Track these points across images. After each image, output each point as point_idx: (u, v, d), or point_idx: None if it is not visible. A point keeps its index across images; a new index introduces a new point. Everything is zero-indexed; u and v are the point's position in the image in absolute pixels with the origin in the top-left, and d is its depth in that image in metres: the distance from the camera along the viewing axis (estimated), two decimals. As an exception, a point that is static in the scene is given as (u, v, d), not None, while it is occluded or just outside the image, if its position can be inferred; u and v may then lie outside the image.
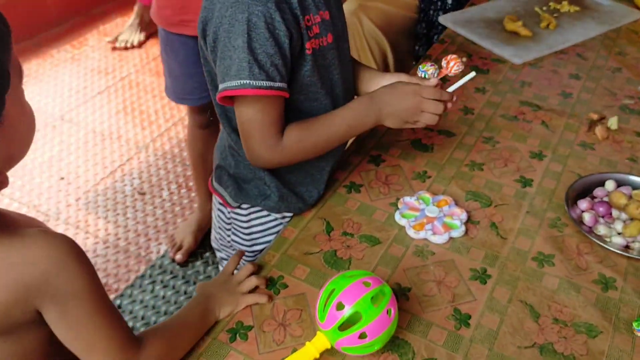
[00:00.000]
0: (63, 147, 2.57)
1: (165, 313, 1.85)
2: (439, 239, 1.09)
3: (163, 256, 2.04)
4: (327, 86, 1.08)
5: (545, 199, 1.20)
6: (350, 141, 1.34)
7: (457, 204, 1.17)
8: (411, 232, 1.11)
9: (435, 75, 1.16)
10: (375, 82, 1.20)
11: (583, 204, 1.16)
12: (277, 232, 1.18)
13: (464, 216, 1.13)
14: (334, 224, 1.14)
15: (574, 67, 1.63)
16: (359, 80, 1.22)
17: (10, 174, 0.74)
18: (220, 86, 0.98)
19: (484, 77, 1.58)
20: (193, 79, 1.73)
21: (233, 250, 1.24)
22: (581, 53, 1.70)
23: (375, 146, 1.34)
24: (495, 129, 1.39)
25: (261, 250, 1.21)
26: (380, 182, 1.24)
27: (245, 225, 1.19)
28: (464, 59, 1.15)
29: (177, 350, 0.90)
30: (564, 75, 1.60)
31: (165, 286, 1.93)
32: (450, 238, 1.10)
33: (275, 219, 1.18)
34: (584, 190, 1.19)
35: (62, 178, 2.40)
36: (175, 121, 2.73)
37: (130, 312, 1.84)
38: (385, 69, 2.01)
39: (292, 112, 1.05)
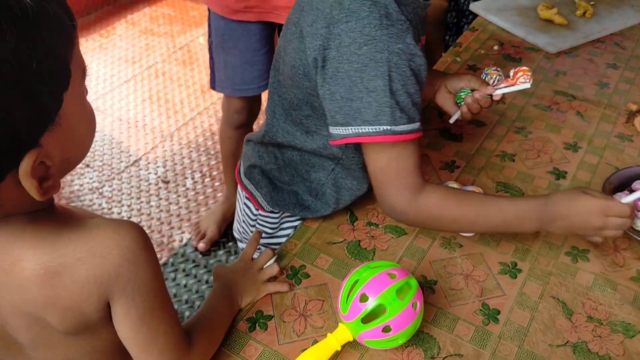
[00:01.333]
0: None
1: (187, 302, 1.83)
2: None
3: (186, 245, 2.02)
4: None
5: (579, 191, 1.14)
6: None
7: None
8: (438, 223, 1.07)
9: (497, 81, 1.10)
10: (436, 82, 1.15)
11: (620, 197, 1.09)
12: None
13: (494, 208, 1.09)
14: (358, 214, 1.10)
15: (612, 57, 1.56)
16: None
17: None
18: (346, 130, 0.88)
19: (516, 65, 1.51)
20: (254, 67, 1.70)
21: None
22: (619, 42, 1.63)
23: (402, 135, 1.29)
24: (527, 119, 1.34)
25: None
26: (406, 171, 1.20)
27: (273, 227, 1.16)
28: (530, 72, 1.08)
29: (216, 343, 0.87)
30: (600, 64, 1.53)
31: (187, 275, 1.91)
32: (479, 230, 1.06)
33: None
34: (622, 183, 1.14)
35: (87, 165, 2.40)
36: (200, 110, 2.71)
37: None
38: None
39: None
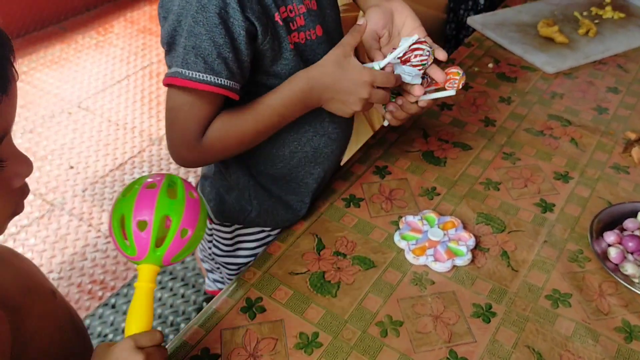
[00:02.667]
0: (76, 135, 2.51)
1: (160, 316, 1.76)
2: (441, 266, 0.97)
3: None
4: None
5: (567, 227, 1.06)
6: (351, 149, 1.23)
7: (465, 227, 1.05)
8: (410, 257, 0.99)
9: (427, 62, 0.98)
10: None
11: (610, 236, 1.02)
12: (268, 243, 1.08)
13: (471, 242, 1.01)
14: (326, 241, 1.03)
15: (613, 80, 1.48)
16: None
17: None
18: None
19: (510, 85, 1.44)
20: None
21: (216, 263, 1.14)
22: (622, 64, 1.54)
23: (382, 156, 1.22)
24: (517, 144, 1.26)
25: (246, 264, 1.11)
26: (383, 196, 1.12)
27: (229, 242, 1.09)
28: (460, 75, 0.99)
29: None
30: (600, 87, 1.45)
31: (162, 287, 1.84)
32: (454, 266, 0.98)
33: (263, 231, 1.08)
34: (613, 220, 1.05)
35: (72, 167, 2.33)
36: (192, 114, 2.64)
37: (124, 313, 1.75)
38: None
39: None
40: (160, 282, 1.86)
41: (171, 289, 1.84)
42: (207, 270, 1.21)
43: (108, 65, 2.98)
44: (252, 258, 1.09)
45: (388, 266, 0.98)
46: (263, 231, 1.08)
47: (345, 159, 1.23)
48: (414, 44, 0.93)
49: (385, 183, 1.15)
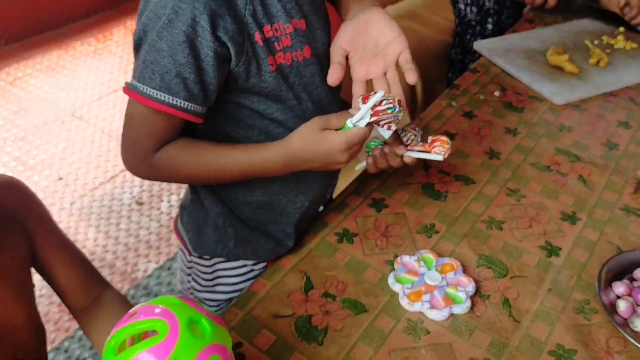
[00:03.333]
0: (68, 144, 2.44)
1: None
2: (438, 314, 0.90)
3: (150, 276, 1.88)
4: (305, 111, 0.91)
5: (573, 274, 0.99)
6: (347, 178, 1.16)
7: (465, 270, 0.98)
8: (404, 302, 0.92)
9: (411, 141, 1.00)
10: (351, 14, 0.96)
11: (619, 287, 0.94)
12: (252, 278, 1.01)
13: (471, 288, 0.94)
14: (315, 281, 0.95)
15: (624, 114, 1.41)
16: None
17: (9, 169, 0.60)
18: None
19: (516, 115, 1.38)
20: None
21: (195, 297, 1.07)
22: (634, 97, 1.48)
23: (379, 187, 1.15)
24: (522, 179, 1.19)
25: (228, 300, 1.04)
26: (378, 232, 1.05)
27: (208, 276, 1.02)
28: (449, 144, 0.98)
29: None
30: (611, 121, 1.38)
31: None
32: (452, 314, 0.91)
33: (245, 265, 1.01)
34: (622, 269, 0.98)
35: (61, 178, 2.27)
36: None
37: (105, 336, 1.68)
38: (412, 95, 1.82)
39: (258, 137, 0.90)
40: (133, 297, 1.79)
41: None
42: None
43: (105, 73, 2.92)
44: (233, 294, 1.02)
45: (380, 311, 0.91)
46: (245, 265, 1.01)
47: (340, 188, 1.16)
48: (379, 103, 0.86)
49: (381, 217, 1.08)
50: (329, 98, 0.95)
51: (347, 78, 1.57)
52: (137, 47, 0.79)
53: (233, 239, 0.95)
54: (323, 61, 0.92)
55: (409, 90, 1.81)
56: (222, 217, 0.94)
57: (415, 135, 1.00)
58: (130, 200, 2.16)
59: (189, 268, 1.04)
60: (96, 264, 1.91)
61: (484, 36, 1.81)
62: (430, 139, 0.99)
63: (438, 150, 0.97)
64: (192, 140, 0.87)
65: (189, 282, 1.06)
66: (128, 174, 2.30)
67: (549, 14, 1.87)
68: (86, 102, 2.70)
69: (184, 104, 0.78)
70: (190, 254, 1.01)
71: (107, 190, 2.21)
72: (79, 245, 1.93)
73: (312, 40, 0.88)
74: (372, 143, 1.01)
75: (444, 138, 0.98)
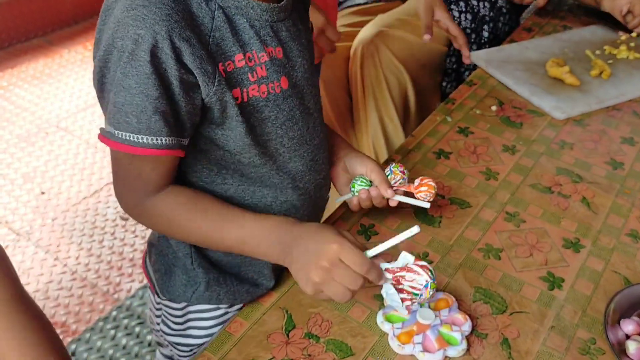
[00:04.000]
0: (51, 157, 2.36)
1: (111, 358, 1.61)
2: (430, 358, 0.82)
3: (133, 296, 1.80)
4: (280, 148, 0.83)
5: (577, 309, 0.91)
6: (333, 203, 1.08)
7: (460, 306, 0.90)
8: (394, 344, 0.84)
9: (400, 184, 0.95)
10: (338, 153, 0.98)
11: (628, 325, 0.87)
12: (227, 321, 0.93)
13: (467, 327, 0.86)
14: (297, 319, 0.88)
15: (629, 129, 1.34)
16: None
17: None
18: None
19: (515, 132, 1.30)
20: None
21: (165, 340, 0.99)
22: (638, 111, 1.40)
23: (368, 212, 1.07)
24: (522, 202, 1.11)
25: (201, 345, 0.96)
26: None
27: (179, 320, 0.94)
28: (435, 190, 0.94)
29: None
30: (615, 138, 1.31)
31: (129, 334, 1.68)
32: (446, 357, 0.83)
33: (219, 308, 0.93)
34: (631, 304, 0.91)
35: (43, 193, 2.19)
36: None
37: (84, 362, 1.60)
38: (404, 107, 1.75)
39: (213, 185, 0.82)
40: (126, 328, 1.71)
41: (137, 335, 1.68)
42: (157, 343, 1.06)
43: (92, 82, 2.84)
44: (207, 339, 0.94)
45: (368, 355, 0.83)
46: (219, 308, 0.92)
47: (326, 214, 1.08)
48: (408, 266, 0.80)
49: (370, 246, 1.00)
50: (310, 133, 0.86)
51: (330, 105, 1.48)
52: (101, 84, 0.71)
53: (204, 282, 0.87)
54: (304, 93, 0.84)
55: (402, 101, 1.74)
56: (191, 258, 0.87)
57: (404, 179, 0.95)
58: (114, 216, 2.08)
59: (158, 310, 0.96)
60: (77, 283, 1.83)
61: (480, 45, 1.74)
62: (417, 181, 0.94)
63: (424, 196, 0.93)
64: (190, 191, 0.79)
65: (158, 324, 0.98)
66: (112, 187, 2.22)
67: (547, 21, 1.80)
68: (71, 112, 2.62)
69: (169, 140, 0.71)
70: (157, 296, 0.94)
71: (91, 205, 2.13)
72: (59, 263, 1.86)
73: (290, 70, 0.80)
74: (359, 182, 0.94)
75: (431, 183, 0.94)
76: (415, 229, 0.76)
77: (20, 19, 3.06)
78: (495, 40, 1.75)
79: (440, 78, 1.85)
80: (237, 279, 0.88)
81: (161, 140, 0.69)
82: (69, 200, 2.16)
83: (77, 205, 2.14)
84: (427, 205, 0.93)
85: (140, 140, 0.69)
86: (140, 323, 1.71)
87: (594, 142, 1.29)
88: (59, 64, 2.98)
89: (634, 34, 1.64)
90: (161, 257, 0.90)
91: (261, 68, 0.75)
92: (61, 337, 1.66)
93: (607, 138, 1.30)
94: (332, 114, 1.68)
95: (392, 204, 0.94)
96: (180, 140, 0.72)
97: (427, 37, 1.36)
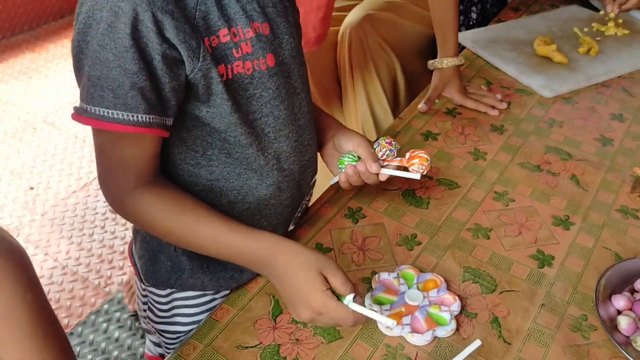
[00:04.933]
0: (39, 152, 2.34)
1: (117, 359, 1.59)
2: (419, 339, 0.81)
3: (125, 289, 1.78)
4: (265, 127, 0.81)
5: (568, 286, 0.90)
6: (319, 189, 1.06)
7: (449, 286, 0.89)
8: (382, 326, 0.83)
9: (387, 156, 0.92)
10: (328, 133, 0.96)
11: (619, 300, 0.86)
12: (213, 308, 0.92)
13: (455, 307, 0.85)
14: (285, 305, 0.86)
15: (618, 105, 1.33)
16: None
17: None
18: None
19: (503, 111, 1.29)
20: None
21: (152, 327, 0.98)
22: (627, 88, 1.39)
23: (355, 195, 1.06)
24: (511, 181, 1.10)
25: (188, 332, 0.94)
26: (355, 246, 0.96)
27: (164, 307, 0.92)
28: (428, 162, 0.91)
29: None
30: (604, 114, 1.30)
31: (121, 326, 1.67)
32: (435, 338, 0.82)
33: (205, 295, 0.91)
34: (622, 280, 0.90)
35: (32, 188, 2.16)
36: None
37: (77, 356, 1.58)
38: (394, 91, 1.73)
39: (189, 173, 0.80)
40: (118, 321, 1.69)
41: (130, 328, 1.67)
42: (145, 331, 1.05)
43: (79, 76, 2.81)
44: (193, 326, 0.93)
45: (356, 337, 0.82)
46: (205, 295, 0.91)
47: (313, 198, 1.07)
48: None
49: (358, 229, 0.99)
50: (295, 113, 0.84)
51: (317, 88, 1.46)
52: (78, 60, 0.68)
53: (188, 269, 0.86)
54: (290, 71, 0.82)
55: (391, 85, 1.72)
56: (175, 246, 0.85)
57: (392, 151, 0.92)
58: (104, 209, 2.06)
59: (144, 297, 0.95)
60: (68, 278, 1.82)
61: (468, 26, 1.72)
62: (408, 155, 0.92)
63: (416, 168, 0.90)
64: (175, 190, 0.77)
65: (144, 311, 0.97)
66: (102, 181, 2.20)
67: (534, 0, 1.78)
68: (59, 107, 2.60)
69: (146, 117, 0.68)
70: (142, 283, 0.92)
71: (80, 198, 2.11)
72: (49, 258, 1.85)
73: (277, 47, 0.78)
74: (346, 159, 0.92)
75: (423, 155, 0.91)
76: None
77: (6, 14, 3.02)
78: (484, 21, 1.73)
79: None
80: (222, 266, 0.87)
81: (138, 117, 0.67)
82: (57, 194, 2.14)
83: (66, 199, 2.12)
84: (417, 176, 0.89)
85: (115, 116, 0.66)
86: (132, 315, 1.69)
87: (583, 120, 1.27)
88: (46, 59, 2.94)
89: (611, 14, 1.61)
90: (145, 243, 0.89)
91: (246, 44, 0.73)
92: (53, 332, 1.65)
93: (597, 115, 1.29)
94: (320, 100, 1.66)
95: (382, 178, 0.91)
96: (164, 120, 0.70)
97: (422, 106, 1.26)
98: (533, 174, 1.12)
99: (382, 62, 1.67)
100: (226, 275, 0.87)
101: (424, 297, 0.86)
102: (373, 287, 0.88)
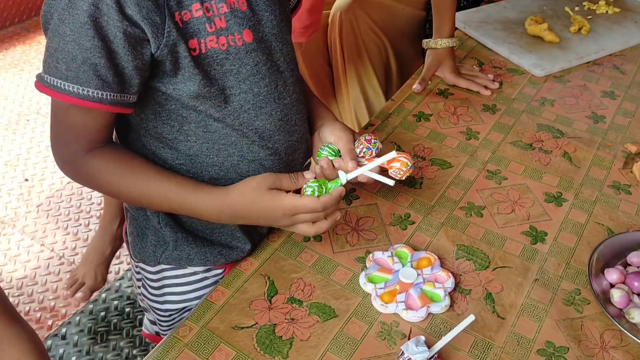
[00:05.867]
0: (33, 144, 2.33)
1: (114, 348, 1.60)
2: (414, 315, 0.81)
3: (122, 278, 1.79)
4: (244, 104, 0.80)
5: (561, 261, 0.91)
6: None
7: (442, 264, 0.90)
8: (377, 304, 0.83)
9: (366, 154, 0.86)
10: (316, 122, 0.94)
11: (612, 274, 0.87)
12: (206, 287, 0.92)
13: (449, 283, 0.86)
14: (280, 285, 0.87)
15: (609, 83, 1.33)
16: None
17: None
18: None
19: (495, 91, 1.29)
20: None
21: (145, 302, 0.99)
22: (619, 65, 1.39)
23: (349, 177, 1.06)
24: (503, 160, 1.10)
25: (180, 310, 0.95)
26: (349, 227, 0.96)
27: (155, 284, 0.93)
28: (408, 167, 0.84)
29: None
30: (595, 92, 1.30)
31: (118, 314, 1.67)
32: (429, 314, 0.83)
33: (195, 273, 0.92)
34: (615, 253, 0.90)
35: (27, 180, 2.16)
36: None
37: (75, 345, 1.59)
38: (387, 76, 1.73)
39: (168, 148, 0.81)
40: (117, 309, 1.70)
41: (128, 316, 1.68)
42: (143, 308, 1.05)
43: (71, 67, 2.80)
44: (185, 304, 0.93)
45: (351, 316, 0.83)
46: (195, 273, 0.91)
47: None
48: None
49: (351, 210, 0.99)
50: (279, 91, 0.83)
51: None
52: (45, 30, 0.70)
53: (172, 242, 0.86)
54: (272, 49, 0.81)
55: (383, 69, 1.72)
56: (158, 217, 0.86)
57: (369, 149, 0.86)
58: (99, 199, 2.06)
59: (138, 274, 0.95)
60: (64, 267, 1.82)
61: (459, 8, 1.71)
62: (392, 154, 0.84)
63: (394, 173, 0.84)
64: (125, 153, 0.79)
65: (139, 287, 0.98)
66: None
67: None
68: (51, 98, 2.58)
69: (97, 93, 0.69)
70: (132, 259, 0.93)
71: (75, 189, 2.11)
72: (45, 249, 1.85)
73: (255, 24, 0.77)
74: (324, 151, 0.87)
75: (404, 159, 0.84)
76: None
77: (-5, 6, 3.01)
78: (475, 3, 1.73)
79: (421, 45, 1.82)
80: (208, 241, 0.87)
81: (88, 91, 0.68)
82: (52, 185, 2.14)
83: (61, 190, 2.11)
84: (391, 182, 0.82)
85: (67, 88, 0.68)
86: (130, 303, 1.70)
87: (575, 98, 1.28)
88: (37, 51, 2.93)
89: None
90: (134, 220, 0.90)
91: (220, 19, 0.73)
92: (51, 322, 1.66)
93: (588, 93, 1.29)
94: (312, 84, 1.66)
95: (362, 180, 0.85)
96: (123, 97, 0.71)
97: (416, 87, 1.27)
98: (525, 152, 1.12)
99: (374, 45, 1.67)
100: (214, 250, 0.88)
101: (418, 274, 0.86)
102: (367, 266, 0.89)
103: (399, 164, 0.84)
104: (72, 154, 0.75)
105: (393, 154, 0.83)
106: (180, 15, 0.70)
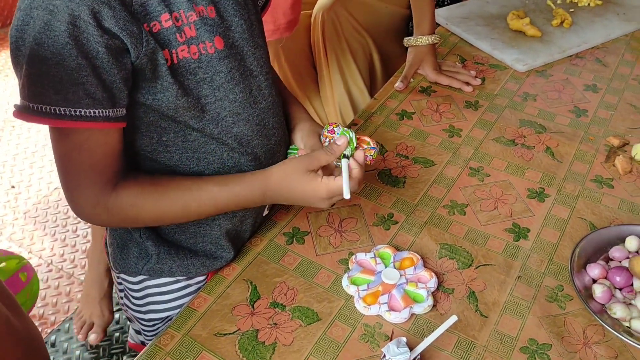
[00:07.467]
0: (20, 150, 2.32)
1: (111, 356, 1.59)
2: (397, 317, 0.81)
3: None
4: (221, 111, 0.80)
5: (544, 257, 0.91)
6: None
7: (425, 263, 0.89)
8: (360, 306, 0.83)
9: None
10: (292, 123, 0.95)
11: (594, 269, 0.87)
12: (189, 295, 0.92)
13: (432, 283, 0.85)
14: (262, 289, 0.86)
15: (591, 76, 1.33)
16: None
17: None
18: None
19: (478, 87, 1.29)
20: None
21: (128, 312, 0.98)
22: (601, 58, 1.39)
23: (332, 178, 1.06)
24: (485, 157, 1.10)
25: (164, 319, 0.94)
26: (332, 228, 0.96)
27: (138, 295, 0.92)
28: (372, 154, 0.87)
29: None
30: (578, 86, 1.30)
31: (115, 322, 1.66)
32: (413, 315, 0.82)
33: (178, 281, 0.91)
34: (597, 248, 0.90)
35: (13, 187, 2.15)
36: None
37: (65, 352, 1.58)
38: (371, 74, 1.73)
39: (147, 159, 0.80)
40: (106, 314, 1.69)
41: (118, 322, 1.67)
42: (127, 319, 1.05)
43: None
44: (168, 312, 0.93)
45: (334, 318, 0.82)
46: (178, 281, 0.91)
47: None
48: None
49: (334, 211, 0.99)
50: (254, 96, 0.83)
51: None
52: (15, 56, 0.67)
53: (155, 255, 0.86)
54: (244, 54, 0.80)
55: (368, 69, 1.71)
56: (140, 231, 0.85)
57: (338, 135, 0.85)
58: (87, 205, 2.05)
59: (120, 284, 0.95)
60: (53, 274, 1.81)
61: (442, 5, 1.72)
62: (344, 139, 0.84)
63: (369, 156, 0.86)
64: (146, 175, 0.79)
65: (121, 298, 0.97)
66: (84, 176, 2.18)
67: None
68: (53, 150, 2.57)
69: (90, 112, 0.67)
70: (113, 270, 0.92)
71: (62, 195, 2.08)
72: (33, 256, 1.84)
73: (225, 30, 0.77)
74: (293, 150, 0.91)
75: (367, 146, 0.86)
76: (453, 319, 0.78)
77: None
78: (458, 1, 1.73)
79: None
80: (191, 252, 0.87)
81: (81, 112, 0.66)
82: (39, 192, 2.12)
83: (47, 196, 2.10)
84: (347, 196, 0.79)
85: (59, 112, 0.65)
86: (118, 309, 1.69)
87: (558, 92, 1.28)
88: (22, 56, 2.91)
89: None
90: (114, 231, 0.89)
91: (190, 28, 0.72)
92: (40, 328, 1.65)
93: (571, 87, 1.29)
94: (295, 84, 1.65)
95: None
96: (108, 112, 0.69)
97: (399, 85, 1.27)
98: (508, 148, 1.12)
99: (357, 44, 1.66)
100: (197, 262, 0.87)
101: (401, 275, 0.86)
102: (350, 268, 0.88)
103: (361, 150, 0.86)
104: (97, 195, 0.73)
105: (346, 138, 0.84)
106: (149, 27, 0.69)
